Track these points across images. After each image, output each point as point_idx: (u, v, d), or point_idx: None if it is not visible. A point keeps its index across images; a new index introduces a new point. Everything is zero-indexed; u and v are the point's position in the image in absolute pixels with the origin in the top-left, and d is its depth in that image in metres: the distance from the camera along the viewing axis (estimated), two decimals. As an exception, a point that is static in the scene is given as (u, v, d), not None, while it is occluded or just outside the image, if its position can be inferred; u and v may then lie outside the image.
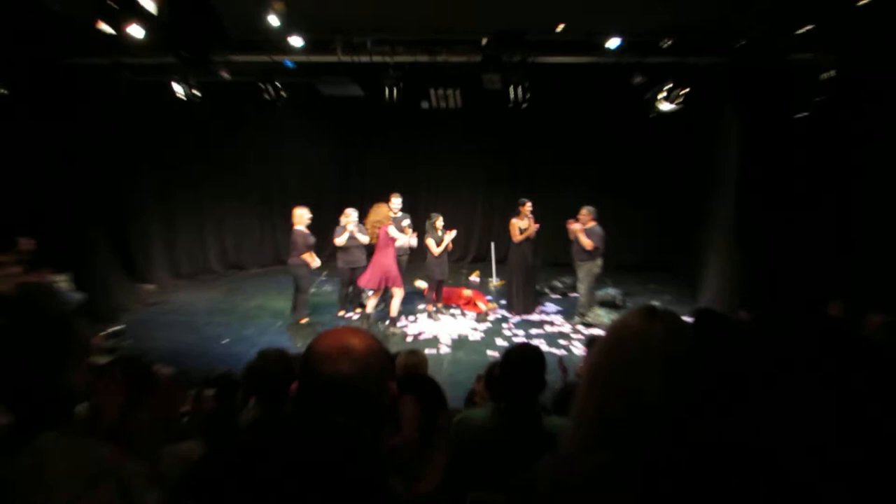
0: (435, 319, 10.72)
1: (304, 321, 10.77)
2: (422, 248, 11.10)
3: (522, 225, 10.79)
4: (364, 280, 10.34)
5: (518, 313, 11.21)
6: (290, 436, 0.85)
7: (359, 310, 11.25)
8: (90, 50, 8.87)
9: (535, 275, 11.41)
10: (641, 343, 1.53)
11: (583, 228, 10.54)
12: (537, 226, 10.79)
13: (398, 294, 10.42)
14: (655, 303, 10.76)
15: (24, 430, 1.82)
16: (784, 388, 1.33)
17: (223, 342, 10.06)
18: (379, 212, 10.45)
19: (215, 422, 4.62)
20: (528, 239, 10.82)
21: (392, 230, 10.17)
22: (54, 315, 2.07)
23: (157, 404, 2.82)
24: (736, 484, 1.27)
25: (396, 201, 11.04)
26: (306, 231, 10.46)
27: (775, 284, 9.09)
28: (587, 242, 10.48)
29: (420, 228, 11.21)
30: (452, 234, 10.93)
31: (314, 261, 10.46)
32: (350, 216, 10.66)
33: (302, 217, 10.48)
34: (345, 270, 10.83)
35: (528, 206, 10.76)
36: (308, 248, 10.42)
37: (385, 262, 10.16)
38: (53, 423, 1.84)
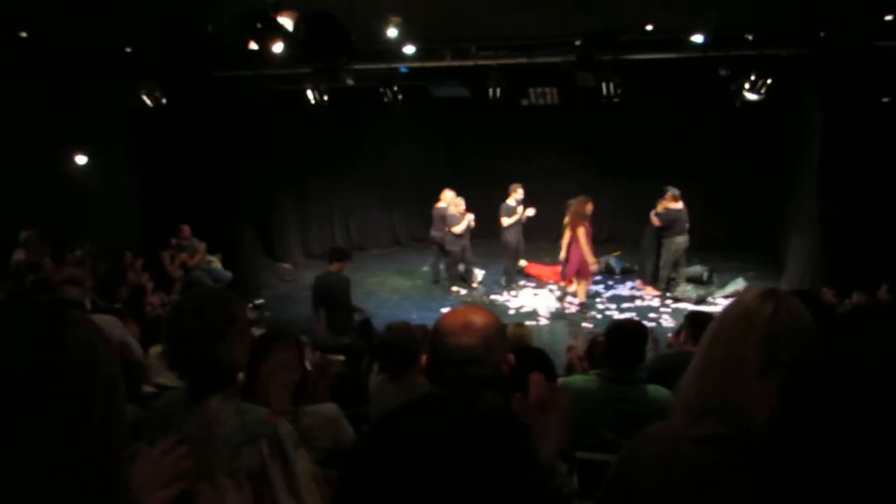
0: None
1: (453, 289, 11.20)
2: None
3: (659, 209, 10.54)
4: (571, 273, 10.03)
5: (646, 286, 10.98)
6: (450, 414, 0.82)
7: (473, 285, 11.35)
8: (236, 63, 9.18)
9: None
10: (746, 319, 1.45)
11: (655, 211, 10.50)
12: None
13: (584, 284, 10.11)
14: (742, 282, 10.38)
15: (196, 394, 1.90)
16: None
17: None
18: (579, 206, 9.78)
19: (344, 386, 4.74)
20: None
21: (581, 233, 9.61)
22: (218, 294, 2.14)
23: (304, 371, 2.90)
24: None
25: (520, 192, 10.90)
26: (444, 208, 10.91)
27: (858, 263, 8.54)
28: (655, 220, 10.47)
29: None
30: (531, 210, 10.87)
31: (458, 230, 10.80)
32: (460, 205, 10.69)
33: (446, 197, 11.00)
34: (458, 252, 10.87)
35: (669, 193, 10.44)
36: (443, 223, 10.81)
37: (578, 255, 9.73)
38: (219, 389, 1.91)
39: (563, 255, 10.09)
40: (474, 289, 11.21)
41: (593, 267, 9.81)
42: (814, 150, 9.69)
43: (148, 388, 4.45)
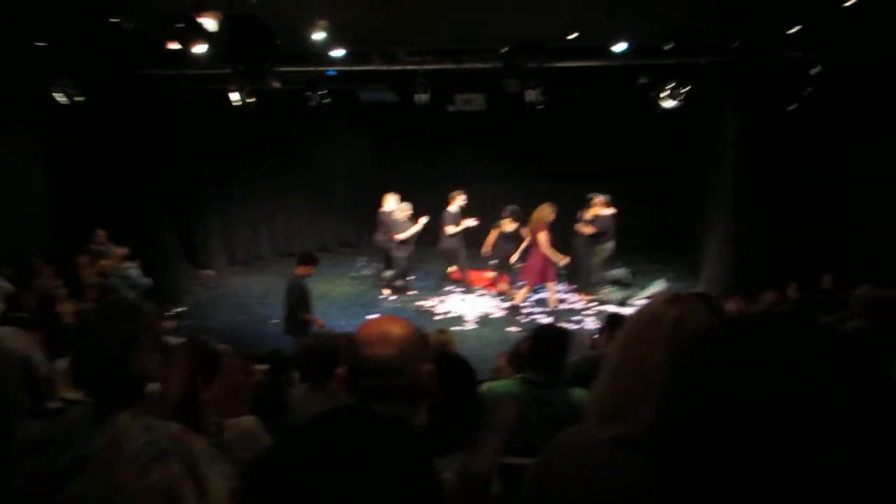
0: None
1: (384, 292, 11.21)
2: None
3: (588, 217, 10.65)
4: (527, 277, 10.07)
5: (582, 293, 10.95)
6: (344, 433, 0.82)
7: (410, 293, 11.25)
8: (158, 62, 8.91)
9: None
10: (655, 324, 1.50)
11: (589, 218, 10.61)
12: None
13: (552, 287, 10.18)
14: (663, 284, 10.69)
15: (103, 410, 1.82)
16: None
17: (273, 322, 10.10)
18: (543, 213, 9.84)
19: (267, 397, 4.64)
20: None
21: (543, 237, 9.68)
22: (128, 304, 2.06)
23: (221, 383, 2.81)
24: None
25: (461, 199, 10.80)
26: (390, 213, 10.80)
27: (772, 261, 8.95)
28: (588, 229, 10.53)
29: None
30: (471, 221, 10.76)
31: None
32: (406, 211, 10.62)
33: (389, 202, 10.90)
34: (403, 259, 10.81)
35: (599, 199, 10.53)
36: (388, 228, 10.76)
37: (540, 259, 9.81)
38: (128, 404, 1.83)
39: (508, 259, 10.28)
40: (409, 296, 11.13)
41: (563, 261, 9.94)
42: (729, 154, 10.11)
43: (54, 404, 4.25)
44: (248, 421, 2.85)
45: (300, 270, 8.14)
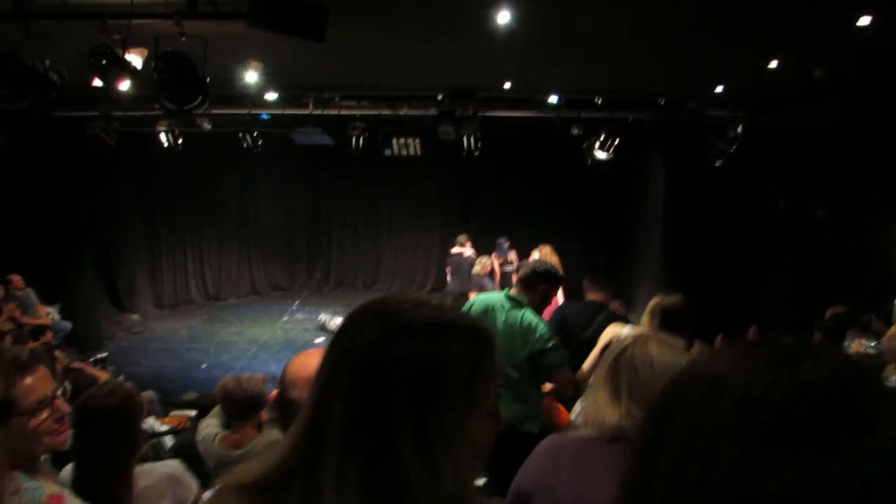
0: None
1: None
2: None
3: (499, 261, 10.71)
4: None
5: None
6: None
7: None
8: (81, 104, 8.64)
9: None
10: (612, 355, 1.99)
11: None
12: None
13: None
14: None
15: None
16: None
17: (203, 367, 9.83)
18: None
19: (191, 441, 4.51)
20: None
21: None
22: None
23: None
24: None
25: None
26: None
27: (699, 312, 9.18)
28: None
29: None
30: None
31: None
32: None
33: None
34: None
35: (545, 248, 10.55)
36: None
37: None
38: None
39: None
40: None
41: None
42: (657, 208, 10.45)
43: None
44: (168, 465, 2.74)
45: None
